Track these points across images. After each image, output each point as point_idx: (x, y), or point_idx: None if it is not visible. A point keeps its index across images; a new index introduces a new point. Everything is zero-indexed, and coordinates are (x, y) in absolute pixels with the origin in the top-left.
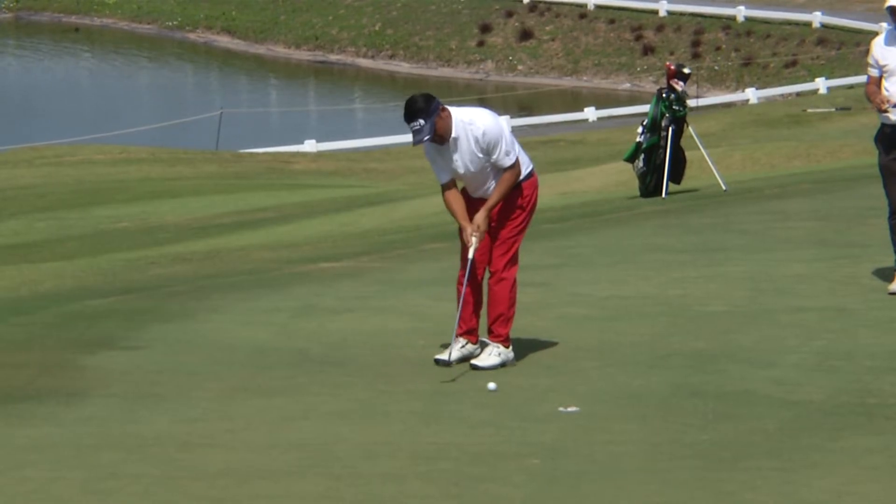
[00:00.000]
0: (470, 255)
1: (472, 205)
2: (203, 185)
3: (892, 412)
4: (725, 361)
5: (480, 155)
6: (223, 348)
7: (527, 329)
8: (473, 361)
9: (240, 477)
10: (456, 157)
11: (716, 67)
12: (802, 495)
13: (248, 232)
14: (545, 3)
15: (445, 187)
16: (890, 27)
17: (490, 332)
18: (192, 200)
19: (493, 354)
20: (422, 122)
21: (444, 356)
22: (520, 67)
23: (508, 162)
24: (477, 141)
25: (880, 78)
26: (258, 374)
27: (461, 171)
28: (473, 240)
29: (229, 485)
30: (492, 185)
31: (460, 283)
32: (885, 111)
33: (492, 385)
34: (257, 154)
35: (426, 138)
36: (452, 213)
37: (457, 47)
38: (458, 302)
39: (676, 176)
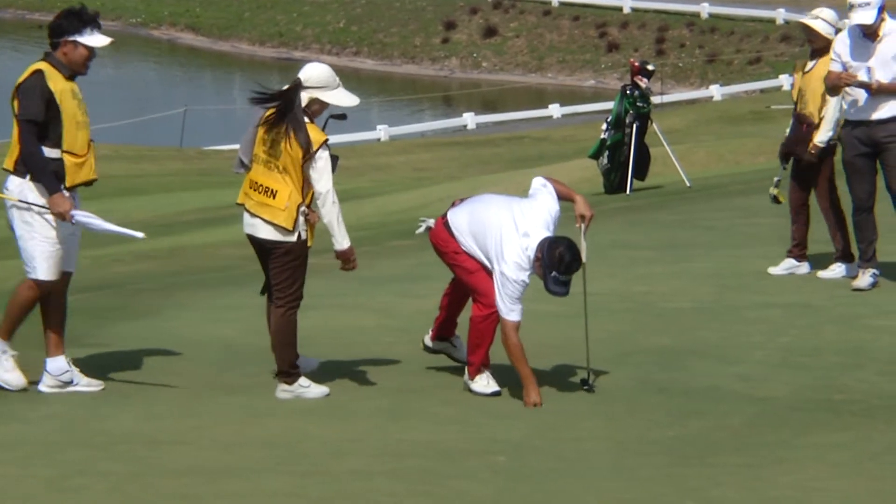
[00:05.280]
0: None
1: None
2: (168, 182)
3: (857, 408)
4: (691, 358)
5: None
6: (189, 345)
7: None
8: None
9: (207, 474)
10: None
11: (680, 64)
12: (768, 491)
13: (213, 229)
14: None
15: (518, 327)
16: (853, 25)
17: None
18: (156, 198)
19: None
20: (572, 278)
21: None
22: (484, 64)
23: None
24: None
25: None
26: (225, 372)
27: None
28: None
29: (196, 482)
30: None
31: (488, 318)
32: (849, 84)
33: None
34: (222, 151)
35: (567, 294)
36: (523, 365)
37: (421, 44)
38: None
39: (641, 172)
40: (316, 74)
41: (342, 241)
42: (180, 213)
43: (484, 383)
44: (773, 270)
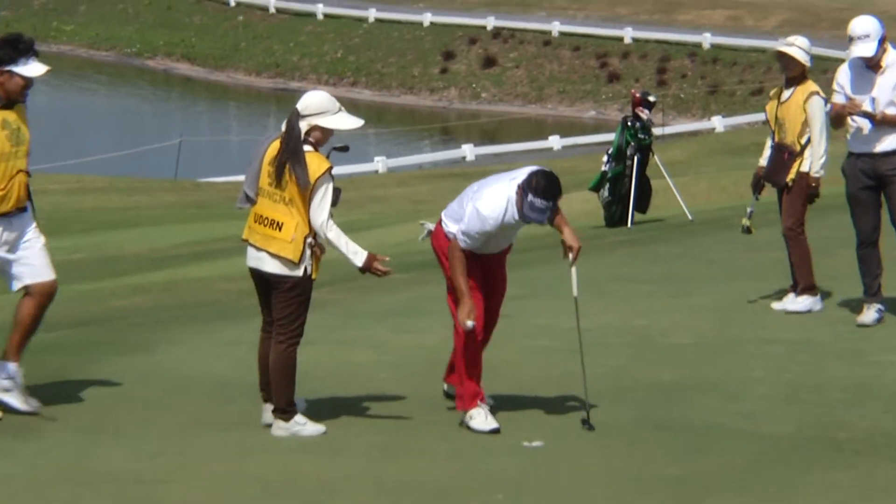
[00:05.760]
0: (469, 324)
1: (482, 260)
2: (162, 214)
3: (861, 446)
4: (692, 394)
5: None
6: (182, 381)
7: (489, 361)
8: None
9: None
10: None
11: (682, 95)
12: None
13: (207, 262)
14: (509, 29)
15: (463, 252)
16: (854, 57)
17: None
18: (150, 230)
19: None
20: (551, 204)
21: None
22: (483, 95)
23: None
24: None
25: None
26: (218, 408)
27: (506, 238)
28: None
29: None
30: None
31: (471, 343)
32: (853, 113)
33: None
34: (217, 183)
35: (543, 222)
36: (461, 281)
37: (420, 74)
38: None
39: (642, 205)
40: (314, 101)
41: (356, 260)
42: (174, 246)
43: (482, 419)
44: (776, 306)
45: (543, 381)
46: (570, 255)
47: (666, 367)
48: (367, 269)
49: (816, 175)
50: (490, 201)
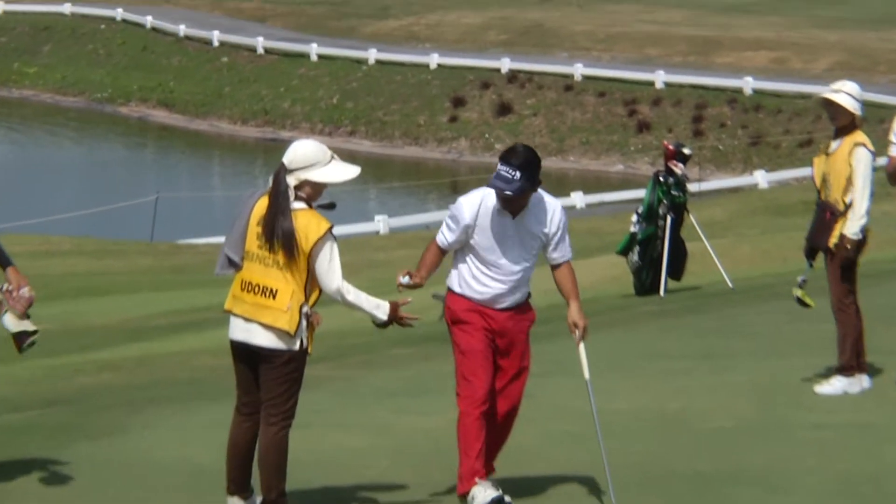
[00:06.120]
0: (403, 279)
1: (494, 320)
2: (136, 280)
3: None
4: (732, 485)
5: (539, 238)
6: (157, 470)
7: (505, 447)
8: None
9: None
10: (511, 234)
11: (720, 147)
12: None
13: (186, 335)
14: (526, 72)
15: (439, 246)
16: None
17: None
18: (122, 299)
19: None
20: (518, 175)
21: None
22: (497, 146)
23: (570, 253)
24: (547, 218)
25: None
26: (197, 500)
27: (502, 258)
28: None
29: None
30: (523, 291)
31: (468, 415)
32: None
33: None
34: (198, 245)
35: (507, 193)
36: (420, 263)
37: (426, 123)
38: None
39: (676, 271)
40: (301, 153)
41: (379, 313)
42: (149, 316)
43: (483, 495)
44: (817, 389)
45: (566, 469)
46: (577, 334)
47: (703, 455)
48: (392, 321)
49: (854, 237)
50: (469, 194)
